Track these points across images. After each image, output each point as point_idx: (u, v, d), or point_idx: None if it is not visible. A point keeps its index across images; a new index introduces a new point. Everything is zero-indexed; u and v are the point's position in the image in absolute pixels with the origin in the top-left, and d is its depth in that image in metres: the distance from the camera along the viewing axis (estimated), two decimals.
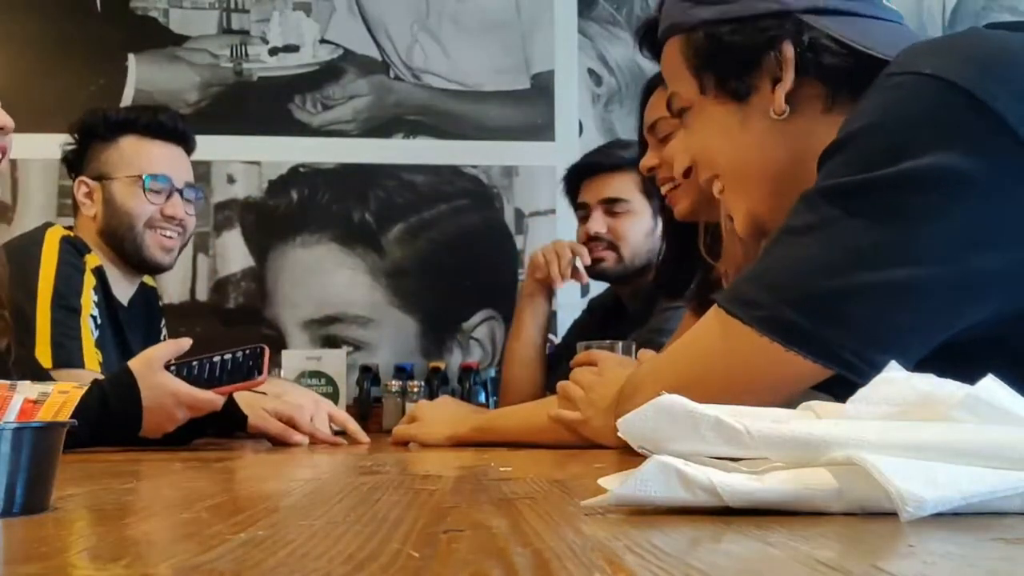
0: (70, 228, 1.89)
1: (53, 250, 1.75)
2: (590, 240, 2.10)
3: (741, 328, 0.84)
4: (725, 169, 1.03)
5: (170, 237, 1.91)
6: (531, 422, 1.31)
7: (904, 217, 0.79)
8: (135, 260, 1.91)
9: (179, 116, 2.06)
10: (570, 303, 2.50)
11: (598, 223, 2.09)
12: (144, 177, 1.88)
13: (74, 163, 1.95)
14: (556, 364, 2.18)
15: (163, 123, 1.94)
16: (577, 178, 2.17)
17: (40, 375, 1.51)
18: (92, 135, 1.93)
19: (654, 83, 1.59)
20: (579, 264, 2.09)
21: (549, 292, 2.16)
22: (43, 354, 1.63)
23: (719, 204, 1.47)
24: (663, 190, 1.55)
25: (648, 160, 1.56)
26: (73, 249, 1.79)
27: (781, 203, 1.02)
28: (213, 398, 1.44)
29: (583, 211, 2.15)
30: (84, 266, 1.79)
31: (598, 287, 2.35)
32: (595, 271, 2.12)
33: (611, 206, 2.09)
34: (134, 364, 1.44)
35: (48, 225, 1.86)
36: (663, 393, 0.57)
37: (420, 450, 1.36)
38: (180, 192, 1.92)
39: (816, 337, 0.80)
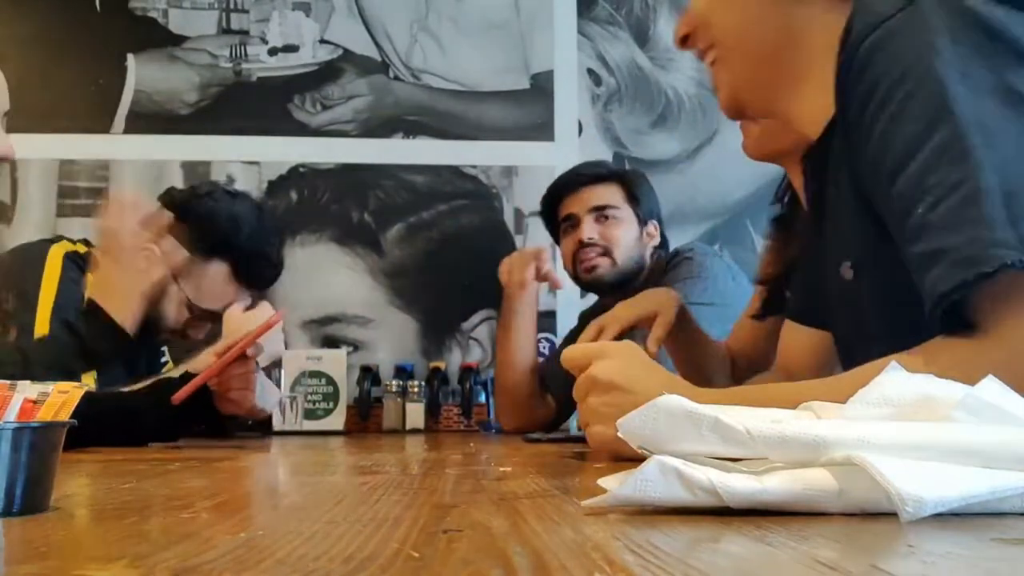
0: (73, 241, 1.87)
1: (56, 266, 1.75)
2: (582, 248, 2.10)
3: None
4: (719, 36, 1.01)
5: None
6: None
7: None
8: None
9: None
10: (569, 301, 2.51)
11: (590, 229, 2.10)
12: (196, 306, 1.82)
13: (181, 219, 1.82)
14: (553, 368, 2.19)
15: (262, 277, 1.91)
16: (558, 195, 2.18)
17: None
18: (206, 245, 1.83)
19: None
20: (549, 267, 2.15)
21: (522, 300, 2.17)
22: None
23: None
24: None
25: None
26: (75, 267, 1.79)
27: (760, 88, 1.01)
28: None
29: (569, 222, 2.16)
30: (85, 283, 1.79)
31: (592, 297, 2.36)
32: (590, 279, 2.12)
33: (601, 212, 2.11)
34: None
35: (54, 241, 1.85)
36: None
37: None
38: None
39: None
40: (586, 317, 2.29)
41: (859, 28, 0.83)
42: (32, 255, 1.79)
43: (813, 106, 0.96)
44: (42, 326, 1.66)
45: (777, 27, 0.96)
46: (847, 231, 0.92)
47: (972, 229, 0.71)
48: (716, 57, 1.03)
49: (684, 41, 1.05)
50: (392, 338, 2.59)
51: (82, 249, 1.84)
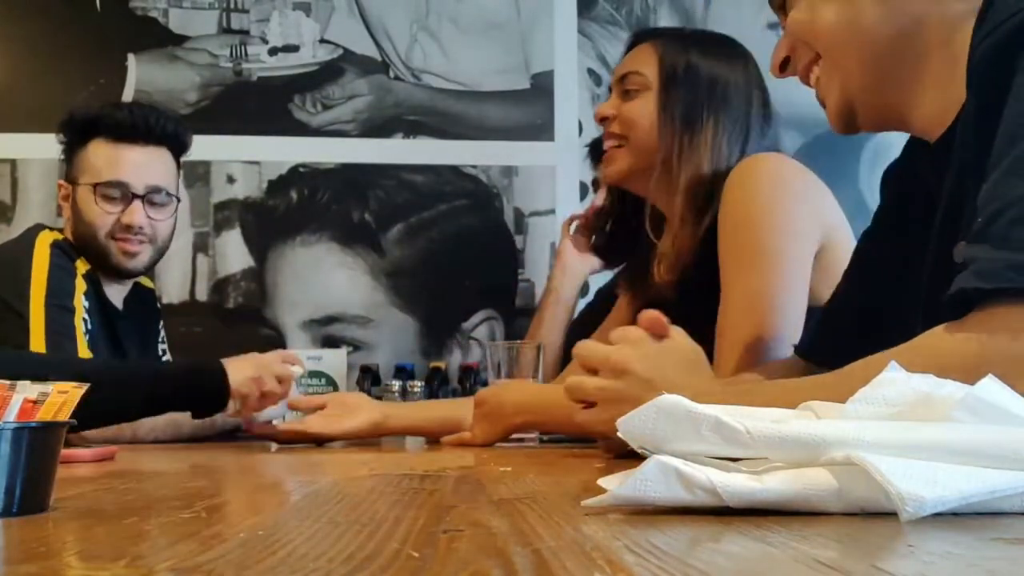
0: (59, 231, 1.87)
1: (44, 255, 1.74)
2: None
3: None
4: (826, 40, 0.96)
5: (134, 243, 1.83)
6: None
7: None
8: (104, 267, 1.86)
9: (158, 114, 1.90)
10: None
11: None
12: (97, 185, 1.81)
13: (65, 163, 1.94)
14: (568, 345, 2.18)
15: (128, 124, 1.83)
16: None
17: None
18: (70, 135, 1.90)
19: (640, 36, 1.54)
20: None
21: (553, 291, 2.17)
22: (38, 350, 1.63)
23: (649, 179, 1.46)
24: (605, 145, 1.52)
25: (606, 108, 1.49)
26: (63, 254, 1.78)
27: (875, 85, 0.95)
28: None
29: None
30: (75, 271, 1.78)
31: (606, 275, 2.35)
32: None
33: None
34: None
35: (39, 228, 1.84)
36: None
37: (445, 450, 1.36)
38: (142, 198, 1.82)
39: None
40: (603, 293, 2.28)
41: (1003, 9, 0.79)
42: (19, 249, 1.78)
43: (933, 109, 0.92)
44: (37, 316, 1.66)
45: (890, 20, 0.91)
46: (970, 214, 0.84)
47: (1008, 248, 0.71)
48: (824, 66, 0.97)
49: (784, 66, 1.02)
50: (392, 338, 2.59)
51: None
